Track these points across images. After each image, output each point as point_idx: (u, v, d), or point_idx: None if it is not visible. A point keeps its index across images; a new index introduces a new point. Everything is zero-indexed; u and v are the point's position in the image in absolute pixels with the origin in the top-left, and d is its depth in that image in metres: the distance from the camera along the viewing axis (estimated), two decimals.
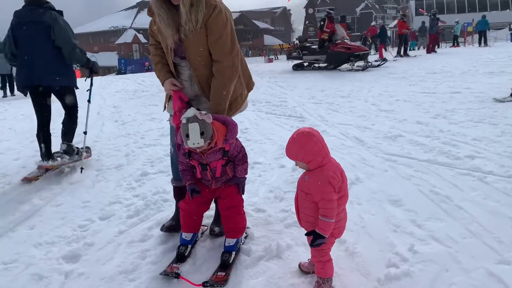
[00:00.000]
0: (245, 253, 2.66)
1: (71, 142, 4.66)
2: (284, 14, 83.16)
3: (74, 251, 2.81)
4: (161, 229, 2.96)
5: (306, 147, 2.05)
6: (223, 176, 2.59)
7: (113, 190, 3.93)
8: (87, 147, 4.94)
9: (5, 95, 12.59)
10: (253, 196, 3.55)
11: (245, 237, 2.81)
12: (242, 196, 2.70)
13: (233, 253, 2.56)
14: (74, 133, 4.71)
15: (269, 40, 66.08)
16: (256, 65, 19.96)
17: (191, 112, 2.33)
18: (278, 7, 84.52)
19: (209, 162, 2.50)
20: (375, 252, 2.57)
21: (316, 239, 2.05)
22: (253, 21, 68.22)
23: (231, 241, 2.58)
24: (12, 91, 12.83)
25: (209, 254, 2.68)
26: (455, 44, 23.79)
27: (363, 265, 2.44)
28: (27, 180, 4.24)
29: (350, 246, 2.63)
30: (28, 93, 4.38)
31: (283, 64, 17.46)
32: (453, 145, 4.49)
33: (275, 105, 7.90)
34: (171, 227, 2.94)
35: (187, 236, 2.65)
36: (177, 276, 2.40)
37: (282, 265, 2.50)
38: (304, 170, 2.17)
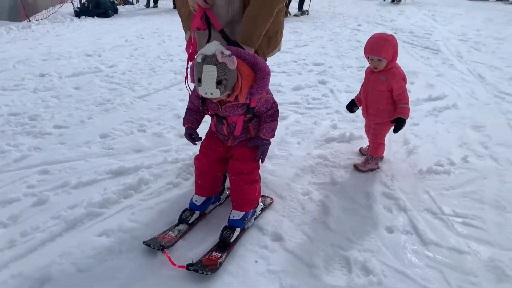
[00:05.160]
0: (322, 133, 3.30)
1: None
2: None
3: None
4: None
5: (395, 47, 2.52)
6: (244, 133, 2.05)
7: None
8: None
9: (148, 5, 11.74)
10: None
11: (261, 210, 2.26)
12: (260, 162, 2.10)
13: (237, 229, 2.03)
14: None
15: None
16: None
17: (211, 47, 1.70)
18: None
19: (227, 116, 1.96)
20: (430, 155, 3.00)
21: (401, 124, 2.50)
22: None
23: (236, 215, 2.06)
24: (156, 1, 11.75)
25: (218, 226, 2.11)
26: None
27: (414, 160, 2.93)
28: None
29: (411, 147, 3.10)
30: None
31: None
32: None
33: (417, 36, 7.81)
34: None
35: (197, 199, 2.16)
36: (161, 249, 1.91)
37: (347, 147, 3.14)
38: (368, 73, 2.68)
